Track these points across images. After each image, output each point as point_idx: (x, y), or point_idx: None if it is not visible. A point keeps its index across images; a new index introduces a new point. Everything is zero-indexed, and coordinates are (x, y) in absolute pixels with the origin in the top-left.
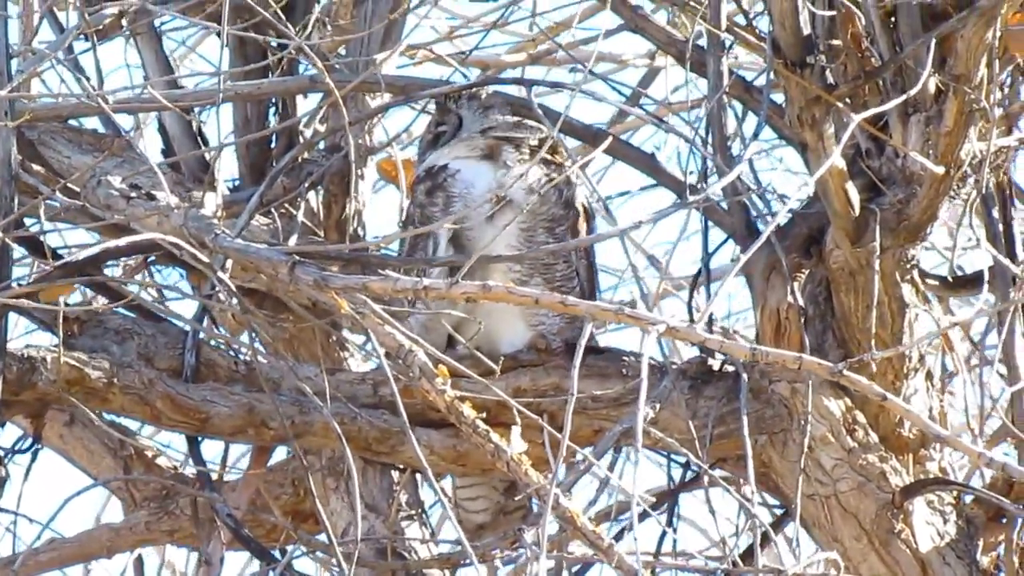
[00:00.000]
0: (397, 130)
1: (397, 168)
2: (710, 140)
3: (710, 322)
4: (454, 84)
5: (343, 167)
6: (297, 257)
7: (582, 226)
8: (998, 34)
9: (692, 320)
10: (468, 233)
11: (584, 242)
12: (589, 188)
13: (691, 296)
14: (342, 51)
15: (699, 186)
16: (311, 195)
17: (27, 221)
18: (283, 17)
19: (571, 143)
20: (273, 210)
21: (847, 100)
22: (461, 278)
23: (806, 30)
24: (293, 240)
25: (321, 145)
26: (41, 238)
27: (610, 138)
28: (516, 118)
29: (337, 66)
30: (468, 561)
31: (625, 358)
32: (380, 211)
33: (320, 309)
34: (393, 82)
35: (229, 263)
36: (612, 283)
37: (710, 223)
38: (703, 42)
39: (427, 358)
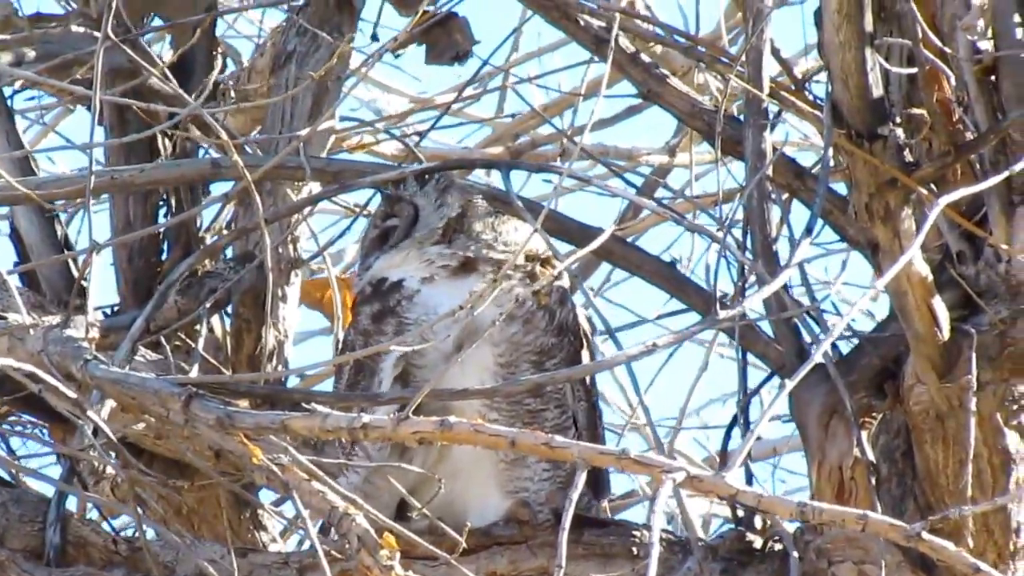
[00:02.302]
0: (330, 234)
1: (329, 289)
2: (747, 242)
3: (748, 472)
4: (405, 167)
5: (257, 283)
6: (193, 389)
7: (584, 358)
8: None
9: (722, 465)
10: (424, 372)
11: (580, 372)
12: (585, 302)
13: (725, 444)
14: (255, 130)
15: (732, 301)
16: (215, 320)
17: None
18: (174, 80)
19: (563, 248)
20: (164, 340)
21: (932, 185)
22: (414, 413)
23: (877, 91)
24: (194, 373)
25: (228, 253)
26: None
27: (607, 234)
28: (489, 208)
29: (248, 147)
30: None
31: (636, 533)
32: (311, 347)
33: (228, 464)
34: (323, 166)
35: (106, 409)
36: (618, 424)
37: (749, 353)
38: (738, 111)
39: (368, 524)
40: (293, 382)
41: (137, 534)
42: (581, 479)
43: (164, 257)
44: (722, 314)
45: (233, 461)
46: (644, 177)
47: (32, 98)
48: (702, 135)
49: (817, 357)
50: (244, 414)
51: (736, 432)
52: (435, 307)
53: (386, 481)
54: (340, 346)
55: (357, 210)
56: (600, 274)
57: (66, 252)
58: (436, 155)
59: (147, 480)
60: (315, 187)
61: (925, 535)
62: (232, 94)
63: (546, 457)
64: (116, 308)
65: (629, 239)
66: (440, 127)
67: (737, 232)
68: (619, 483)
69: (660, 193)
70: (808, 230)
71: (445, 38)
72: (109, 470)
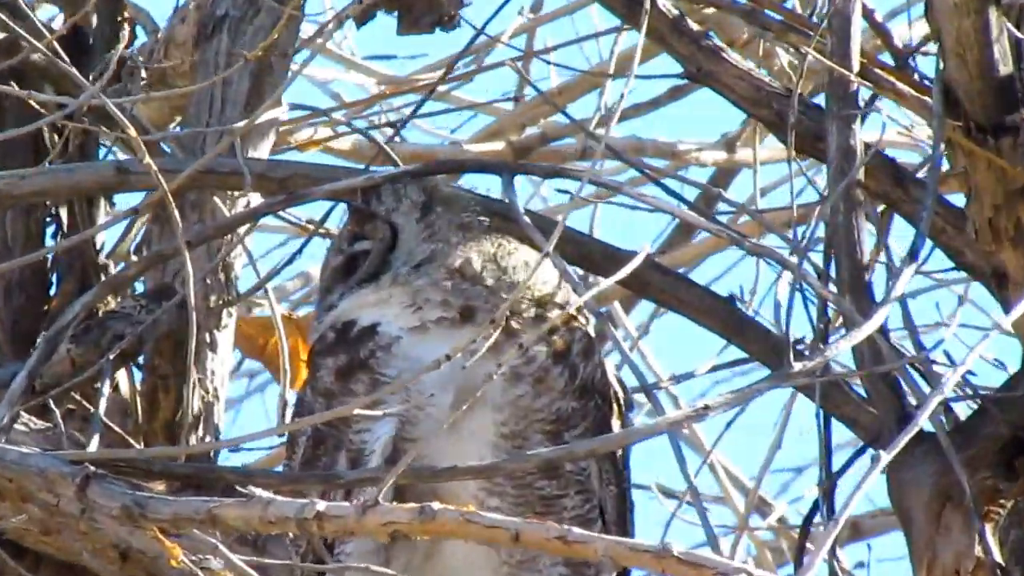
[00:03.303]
0: (275, 260)
1: (273, 333)
2: (831, 270)
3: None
4: (375, 172)
5: (178, 326)
6: (92, 468)
7: (612, 426)
8: None
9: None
10: (417, 447)
11: (608, 444)
12: (616, 352)
13: (803, 538)
14: (174, 122)
15: (811, 350)
16: (120, 376)
17: None
18: (65, 57)
19: (585, 279)
20: (53, 403)
21: None
22: (390, 499)
23: (1004, 68)
24: (93, 446)
25: (139, 287)
26: None
27: (640, 258)
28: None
29: (166, 146)
30: None
31: None
32: (250, 410)
33: (138, 568)
34: (265, 171)
35: None
36: (660, 514)
37: (832, 414)
38: (818, 96)
39: None
40: (225, 458)
41: None
42: None
43: (53, 292)
44: (797, 366)
45: (145, 565)
46: (691, 184)
47: None
48: (770, 128)
49: (923, 423)
50: (159, 501)
51: (817, 520)
52: (418, 358)
53: None
54: (289, 410)
55: (310, 228)
56: (637, 315)
57: None
58: (416, 155)
59: None
60: (255, 198)
61: None
62: (144, 75)
63: (562, 555)
64: None
65: (673, 267)
66: (421, 115)
67: (817, 258)
68: None
69: (714, 206)
70: (912, 255)
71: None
72: None
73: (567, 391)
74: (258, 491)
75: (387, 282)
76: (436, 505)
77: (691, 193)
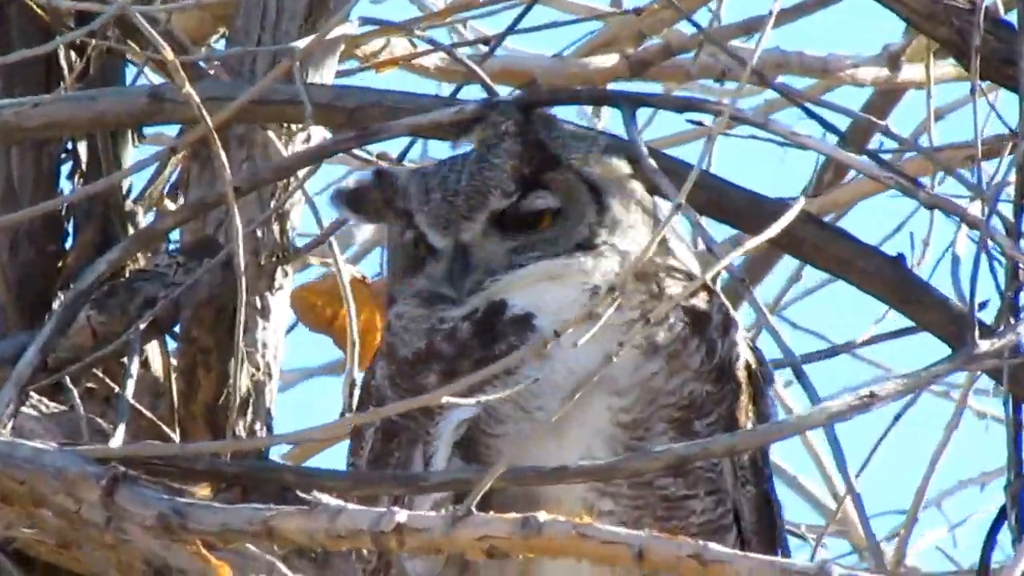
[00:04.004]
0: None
1: (338, 298)
2: None
3: None
4: (468, 104)
5: (222, 290)
6: (120, 468)
7: (743, 413)
8: None
9: None
10: (504, 444)
11: (752, 440)
12: (755, 324)
13: (986, 555)
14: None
15: (1000, 324)
16: (152, 350)
17: None
18: None
19: (716, 231)
20: (70, 382)
21: None
22: (480, 508)
23: None
24: (118, 438)
25: (175, 239)
26: None
27: (797, 209)
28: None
29: (207, 67)
30: None
31: None
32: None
33: None
34: (332, 99)
35: None
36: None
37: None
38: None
39: None
40: (282, 453)
41: None
42: None
43: (69, 246)
44: (982, 344)
45: None
46: (846, 113)
47: None
48: (948, 49)
49: None
50: (204, 509)
51: (1004, 532)
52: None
53: None
54: (352, 394)
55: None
56: (775, 277)
57: None
58: (508, 72)
59: None
60: (317, 134)
61: None
62: None
63: None
64: None
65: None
66: (519, 31)
67: (1008, 209)
68: None
69: (869, 138)
70: None
71: None
72: None
73: (702, 372)
74: (322, 497)
75: (607, 259)
76: (542, 516)
77: (843, 123)
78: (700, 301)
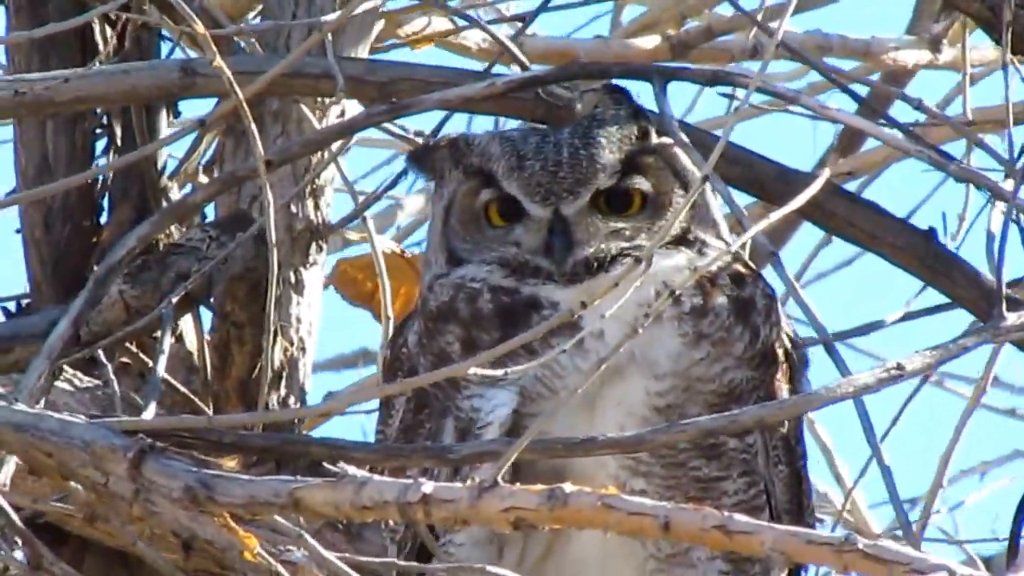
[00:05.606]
0: (374, 184)
1: (378, 272)
2: None
3: None
4: (500, 78)
5: (256, 263)
6: (148, 440)
7: (780, 391)
8: None
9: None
10: (549, 423)
11: (782, 411)
12: (784, 297)
13: (1017, 533)
14: (252, 11)
15: None
16: (186, 324)
17: None
18: None
19: (745, 202)
20: (103, 356)
21: None
22: (509, 479)
23: None
24: (149, 412)
25: (208, 215)
26: None
27: (823, 180)
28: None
29: (241, 42)
30: None
31: None
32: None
33: (205, 560)
34: (365, 74)
35: (5, 471)
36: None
37: None
38: None
39: None
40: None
41: None
42: None
43: (103, 220)
44: (1010, 317)
45: (213, 556)
46: (872, 83)
47: None
48: (980, 24)
49: None
50: (231, 481)
51: None
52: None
53: None
54: (387, 361)
55: (419, 144)
56: (797, 249)
57: None
58: (549, 52)
59: None
60: (351, 107)
61: None
62: None
63: (722, 549)
64: (24, 303)
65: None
66: (553, 8)
67: None
68: None
69: (902, 114)
70: None
71: None
72: (12, 570)
73: (744, 358)
74: (350, 469)
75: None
76: (568, 487)
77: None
78: (746, 287)
